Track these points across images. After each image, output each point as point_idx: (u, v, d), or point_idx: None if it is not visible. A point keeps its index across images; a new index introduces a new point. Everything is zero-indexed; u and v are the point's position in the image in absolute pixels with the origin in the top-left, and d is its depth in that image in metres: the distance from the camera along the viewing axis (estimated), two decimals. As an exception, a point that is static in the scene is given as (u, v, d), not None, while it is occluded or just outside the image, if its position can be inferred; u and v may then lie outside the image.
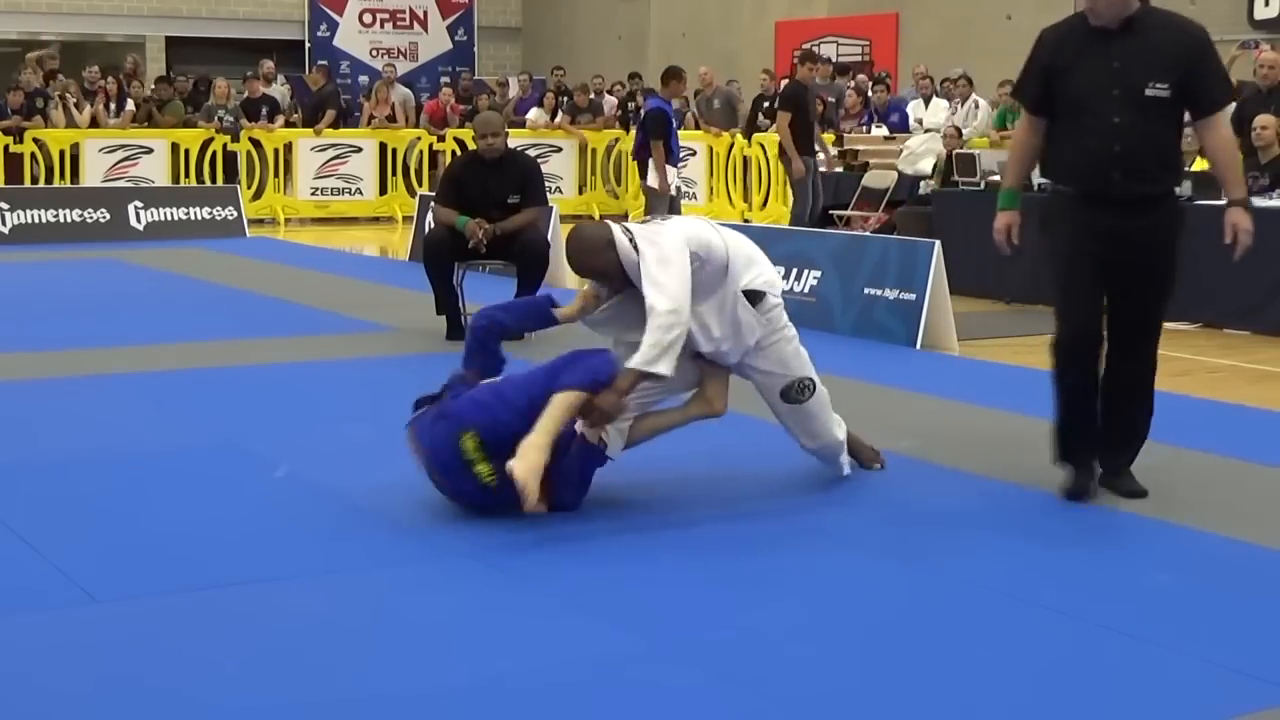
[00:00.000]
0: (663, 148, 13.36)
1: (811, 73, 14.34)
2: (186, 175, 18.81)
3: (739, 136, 18.43)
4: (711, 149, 18.96)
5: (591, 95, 21.53)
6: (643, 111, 14.57)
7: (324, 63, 24.43)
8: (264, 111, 19.46)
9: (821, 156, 14.96)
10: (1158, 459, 6.39)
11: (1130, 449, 5.81)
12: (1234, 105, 5.55)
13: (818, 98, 14.83)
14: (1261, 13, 18.43)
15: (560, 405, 5.20)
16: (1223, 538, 5.25)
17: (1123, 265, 5.63)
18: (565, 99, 21.46)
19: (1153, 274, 5.72)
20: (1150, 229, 5.65)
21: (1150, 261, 5.69)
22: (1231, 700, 3.82)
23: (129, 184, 18.01)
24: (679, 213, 13.55)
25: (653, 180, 13.60)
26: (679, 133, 14.42)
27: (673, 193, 13.52)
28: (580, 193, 20.78)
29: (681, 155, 14.30)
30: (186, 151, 18.91)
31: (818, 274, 10.35)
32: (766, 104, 18.95)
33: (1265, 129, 10.95)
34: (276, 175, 19.43)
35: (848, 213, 15.41)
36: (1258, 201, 10.67)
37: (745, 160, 18.44)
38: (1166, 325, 10.46)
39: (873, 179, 15.87)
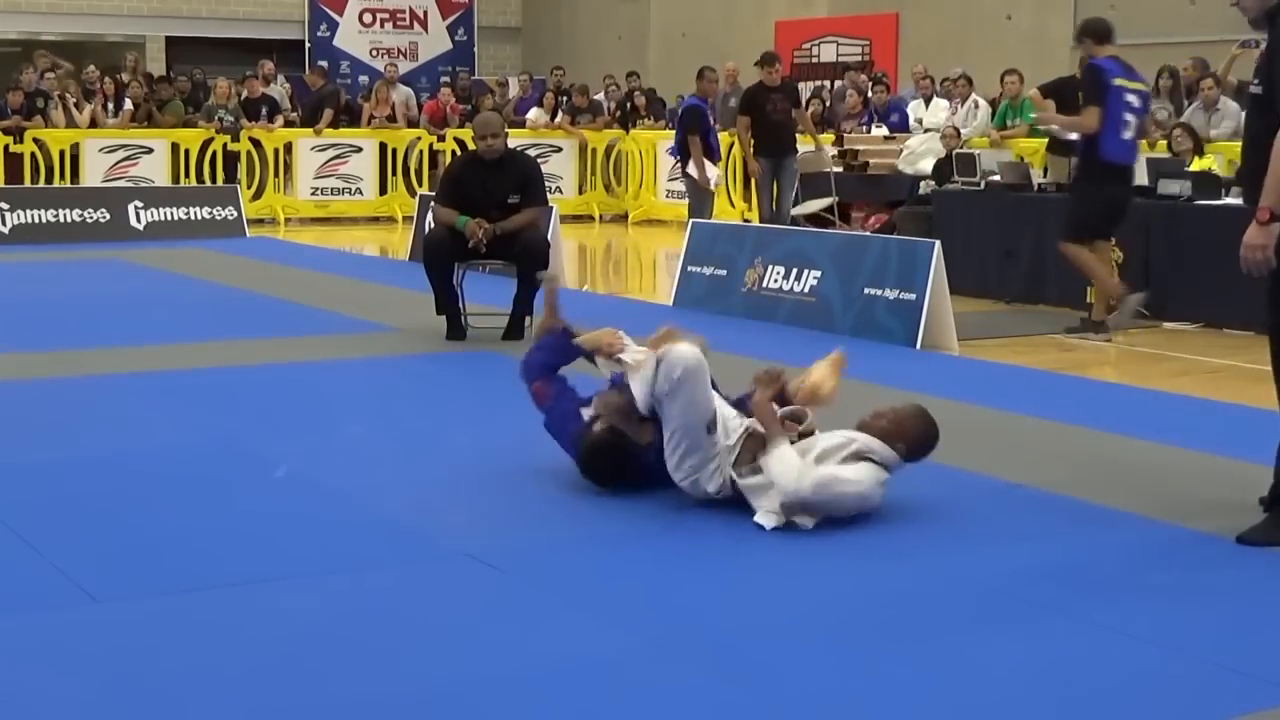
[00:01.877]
0: (699, 143, 13.83)
1: (773, 75, 14.30)
2: (186, 175, 18.81)
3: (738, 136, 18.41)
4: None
5: (598, 95, 21.53)
6: (679, 110, 14.68)
7: (323, 63, 24.42)
8: (264, 111, 19.46)
9: (805, 153, 14.91)
10: (1156, 459, 6.40)
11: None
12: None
13: (795, 97, 14.80)
14: (1261, 13, 18.38)
15: None
16: (1222, 539, 5.24)
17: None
18: (565, 99, 21.46)
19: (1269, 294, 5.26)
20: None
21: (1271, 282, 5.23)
22: (1231, 700, 3.82)
23: (129, 184, 18.01)
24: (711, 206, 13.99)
25: (692, 171, 14.16)
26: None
27: (712, 188, 13.87)
28: (580, 193, 20.78)
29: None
30: (186, 151, 18.91)
31: (818, 274, 10.34)
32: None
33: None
34: (276, 175, 19.43)
35: (800, 210, 15.16)
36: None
37: (745, 160, 18.41)
38: (1165, 325, 10.59)
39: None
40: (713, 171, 14.05)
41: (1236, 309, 10.22)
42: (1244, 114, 5.38)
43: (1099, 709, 3.77)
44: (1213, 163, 12.61)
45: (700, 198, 14.20)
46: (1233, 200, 11.07)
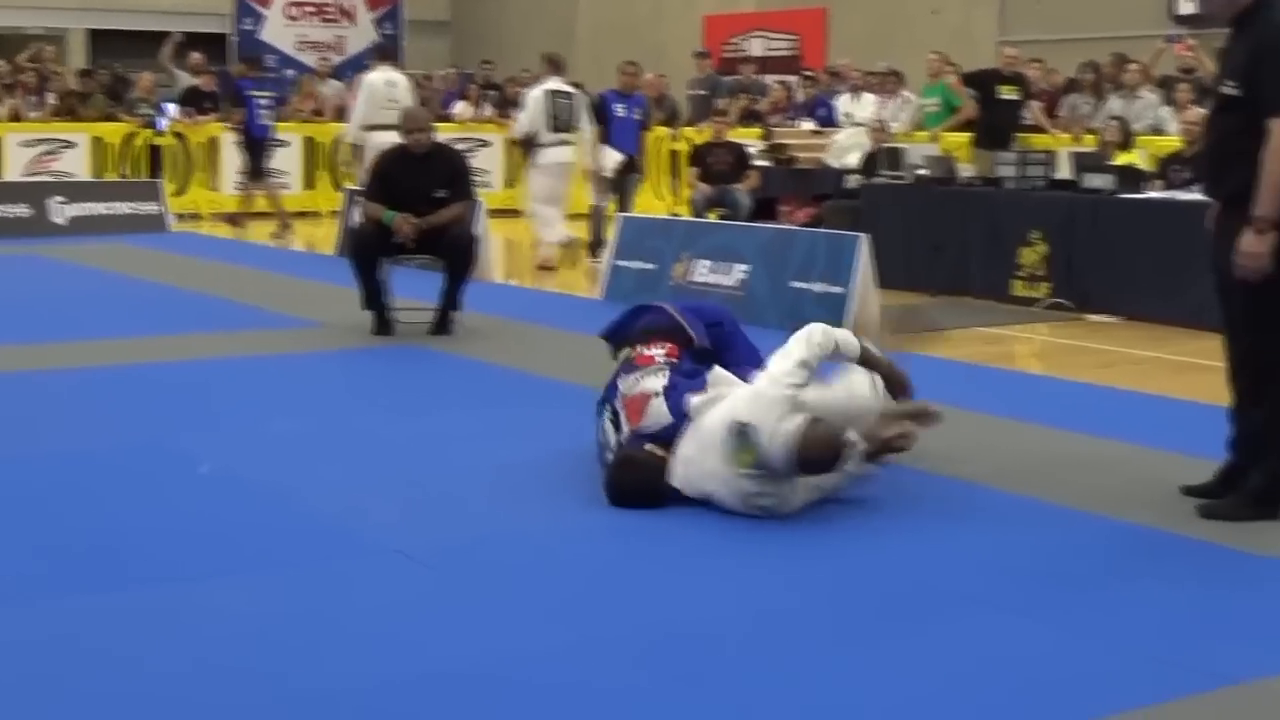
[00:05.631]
0: (597, 132, 14.21)
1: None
2: (109, 169, 18.58)
3: (669, 131, 18.47)
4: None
5: (519, 89, 21.43)
6: None
7: (253, 57, 24.15)
8: (204, 105, 19.25)
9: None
10: (1084, 451, 6.44)
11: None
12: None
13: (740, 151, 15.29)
14: (1183, 8, 18.65)
15: None
16: (1146, 527, 5.29)
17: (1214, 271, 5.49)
18: (495, 92, 21.36)
19: (1229, 281, 5.35)
20: (1221, 232, 5.39)
21: (1221, 265, 5.37)
22: (1158, 688, 3.85)
23: (51, 178, 17.78)
24: (626, 192, 14.39)
25: (587, 160, 14.71)
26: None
27: (606, 174, 14.24)
28: (509, 187, 20.68)
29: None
30: (109, 145, 18.68)
31: (746, 268, 10.36)
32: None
33: (1195, 124, 11.06)
34: (202, 170, 19.23)
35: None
36: (1180, 195, 10.81)
37: (674, 155, 18.45)
38: (1091, 318, 10.72)
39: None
40: (608, 157, 14.23)
41: (1159, 302, 10.33)
42: (1210, 112, 5.68)
43: (1028, 700, 3.79)
44: (1136, 156, 12.74)
45: (596, 182, 14.50)
46: (1155, 194, 11.19)
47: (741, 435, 5.25)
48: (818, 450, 5.22)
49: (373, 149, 14.86)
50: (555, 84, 14.18)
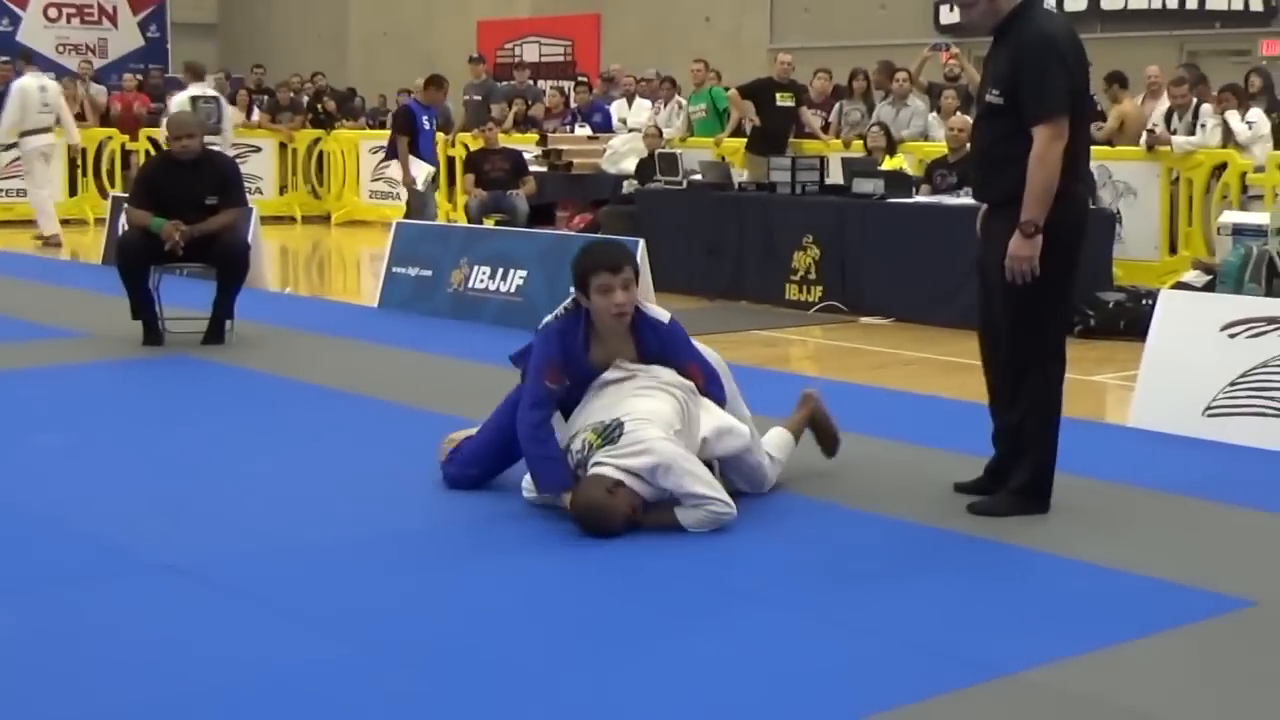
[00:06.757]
0: (406, 143, 14.18)
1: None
2: None
3: (445, 137, 18.39)
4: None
5: (292, 94, 21.13)
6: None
7: (7, 59, 23.39)
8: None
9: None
10: (858, 450, 6.56)
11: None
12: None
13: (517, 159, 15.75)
14: (946, 18, 19.18)
15: None
16: (919, 524, 5.41)
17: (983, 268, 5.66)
18: (267, 98, 21.00)
19: (995, 281, 5.51)
20: (988, 235, 5.58)
21: (988, 266, 5.55)
22: (929, 681, 3.93)
23: None
24: (431, 207, 14.37)
25: (395, 172, 15.16)
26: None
27: (419, 187, 14.21)
28: (281, 193, 20.36)
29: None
30: None
31: (524, 274, 10.34)
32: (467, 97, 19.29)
33: (960, 131, 11.36)
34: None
35: None
36: (946, 200, 11.11)
37: (450, 161, 18.36)
38: (863, 320, 10.94)
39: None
40: (419, 169, 14.13)
41: (928, 304, 10.59)
42: (975, 119, 5.85)
43: (801, 692, 3.84)
44: (903, 162, 13.05)
45: (412, 197, 14.44)
46: (922, 198, 11.48)
47: (612, 426, 5.31)
48: (579, 505, 5.21)
49: (28, 152, 16.53)
50: (198, 89, 16.46)
